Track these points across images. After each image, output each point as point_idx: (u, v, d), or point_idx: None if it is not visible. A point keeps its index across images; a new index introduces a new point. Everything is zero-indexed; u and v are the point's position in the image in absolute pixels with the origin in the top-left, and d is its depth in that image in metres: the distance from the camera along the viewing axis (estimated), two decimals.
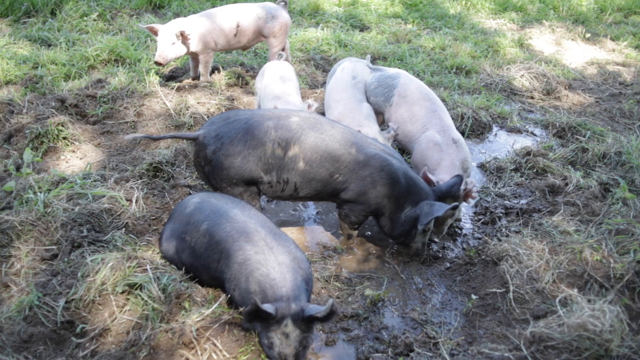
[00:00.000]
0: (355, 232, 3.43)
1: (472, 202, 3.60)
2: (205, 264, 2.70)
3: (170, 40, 4.69)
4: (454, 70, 6.13)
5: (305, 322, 2.38)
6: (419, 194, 3.19)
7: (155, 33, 4.77)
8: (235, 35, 5.07)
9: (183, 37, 4.73)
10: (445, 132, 3.69)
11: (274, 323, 2.35)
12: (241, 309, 2.51)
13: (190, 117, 4.57)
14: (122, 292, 2.56)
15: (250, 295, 2.47)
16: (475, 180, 3.39)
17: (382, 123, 4.17)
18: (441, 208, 3.08)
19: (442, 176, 3.51)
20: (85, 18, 6.54)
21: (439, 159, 3.59)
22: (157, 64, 4.77)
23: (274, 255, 2.53)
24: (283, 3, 5.31)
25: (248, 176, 3.07)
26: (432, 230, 3.40)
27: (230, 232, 2.63)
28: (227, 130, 3.03)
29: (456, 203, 3.21)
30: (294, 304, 2.39)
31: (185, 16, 6.73)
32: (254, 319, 2.35)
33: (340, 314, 2.88)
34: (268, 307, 2.30)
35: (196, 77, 5.29)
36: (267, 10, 5.20)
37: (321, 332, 2.75)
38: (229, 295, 2.61)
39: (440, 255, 3.45)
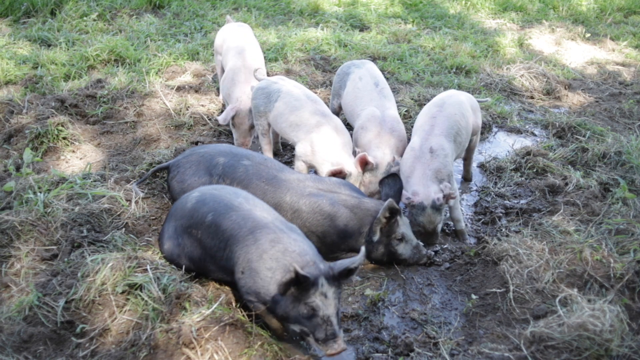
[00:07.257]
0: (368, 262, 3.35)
1: (451, 202, 3.49)
2: (212, 253, 2.73)
3: None
4: (454, 70, 6.13)
5: (336, 278, 2.44)
6: (366, 216, 3.17)
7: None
8: None
9: None
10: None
11: (311, 287, 2.38)
12: (246, 310, 2.51)
13: (190, 117, 4.56)
14: (122, 292, 2.56)
15: (266, 273, 2.50)
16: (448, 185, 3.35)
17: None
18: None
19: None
20: (85, 18, 6.54)
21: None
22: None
23: (286, 234, 2.59)
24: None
25: None
26: (404, 234, 3.23)
27: (236, 220, 2.67)
28: (185, 161, 3.37)
29: (385, 205, 3.08)
30: (322, 264, 2.47)
31: (184, 16, 6.71)
32: (289, 288, 2.39)
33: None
34: (304, 272, 2.35)
35: None
36: None
37: None
38: (236, 283, 2.61)
39: (439, 257, 3.44)
